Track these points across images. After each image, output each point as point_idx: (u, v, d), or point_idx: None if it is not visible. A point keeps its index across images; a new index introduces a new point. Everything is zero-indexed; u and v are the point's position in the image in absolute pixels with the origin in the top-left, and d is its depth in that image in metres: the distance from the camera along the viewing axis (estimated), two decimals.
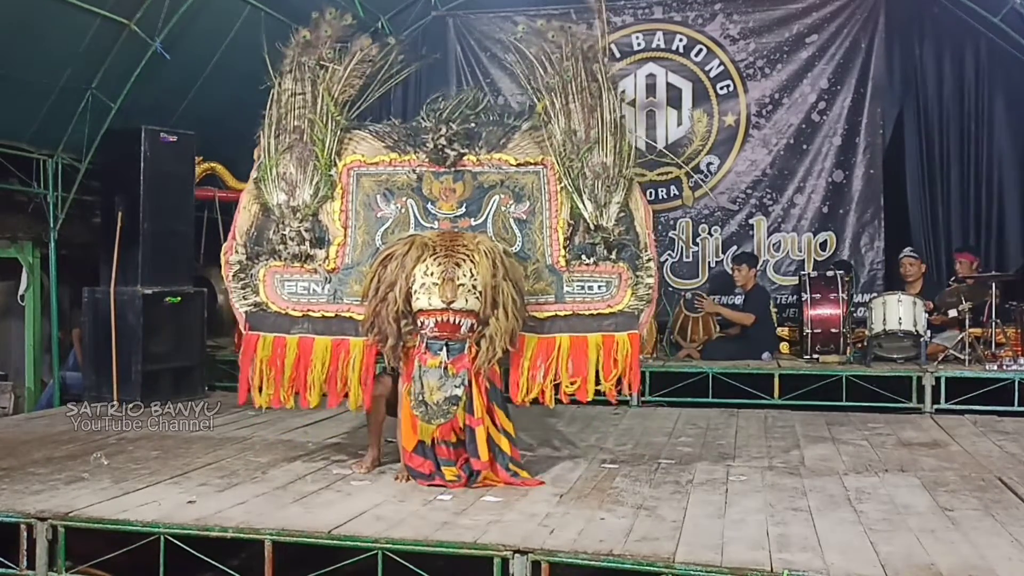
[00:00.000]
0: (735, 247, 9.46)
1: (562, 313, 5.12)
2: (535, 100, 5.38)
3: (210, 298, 8.55)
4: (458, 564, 3.89)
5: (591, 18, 10.25)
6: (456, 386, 4.70)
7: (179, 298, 7.58)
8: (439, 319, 4.69)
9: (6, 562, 4.18)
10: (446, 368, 4.70)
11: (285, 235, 5.12)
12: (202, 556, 4.05)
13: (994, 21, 8.63)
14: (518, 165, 5.26)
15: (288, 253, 5.11)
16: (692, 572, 3.51)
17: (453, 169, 5.24)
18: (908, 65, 9.28)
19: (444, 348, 4.73)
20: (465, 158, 5.25)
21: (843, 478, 4.96)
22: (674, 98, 9.65)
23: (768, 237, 9.45)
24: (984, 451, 5.71)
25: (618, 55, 9.73)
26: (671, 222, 9.64)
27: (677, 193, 9.64)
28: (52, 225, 7.86)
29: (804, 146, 9.40)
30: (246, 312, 5.12)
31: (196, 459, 5.39)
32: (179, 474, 5.01)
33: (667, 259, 9.63)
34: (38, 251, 8.10)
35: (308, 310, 5.08)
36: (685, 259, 9.64)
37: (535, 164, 5.27)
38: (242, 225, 5.22)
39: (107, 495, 4.51)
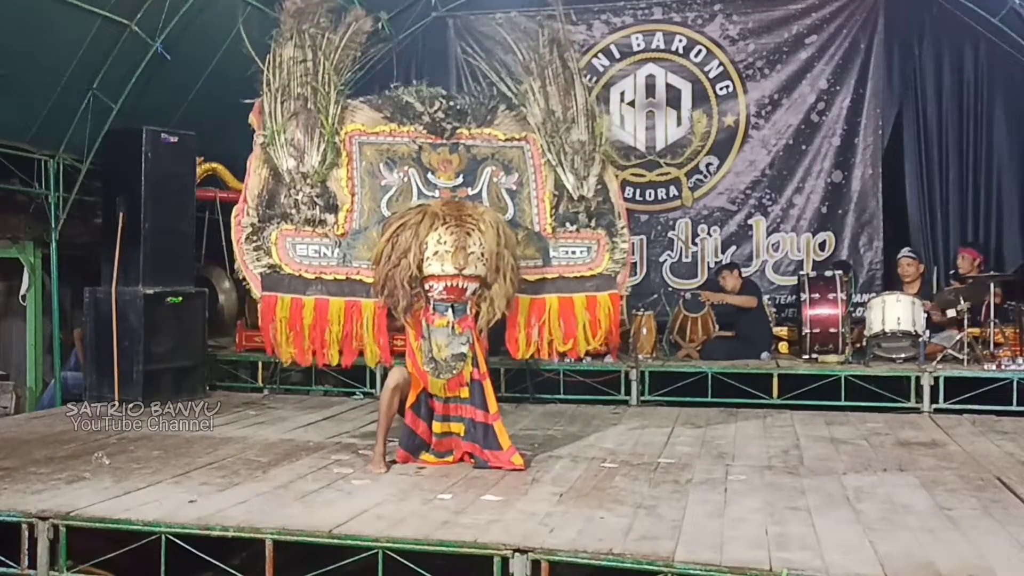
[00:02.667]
0: (734, 247, 9.49)
1: (550, 276, 5.63)
2: (516, 85, 5.84)
3: (211, 298, 8.57)
4: (458, 563, 3.90)
5: (591, 19, 10.31)
6: (462, 344, 5.11)
7: (180, 298, 7.59)
8: (449, 283, 5.05)
9: (7, 561, 4.19)
10: (453, 327, 5.10)
11: (298, 200, 5.29)
12: (203, 555, 4.06)
13: (993, 21, 8.63)
14: (505, 140, 5.73)
15: (300, 217, 5.30)
16: (692, 571, 3.52)
17: (450, 141, 5.59)
18: (907, 65, 9.29)
19: (450, 309, 5.09)
20: (458, 131, 5.66)
21: (842, 478, 4.98)
22: (673, 98, 9.66)
23: (767, 237, 9.47)
24: (982, 451, 5.72)
25: (618, 55, 9.77)
26: (670, 222, 9.66)
27: (676, 193, 9.66)
28: (53, 225, 7.87)
29: (803, 146, 9.41)
30: (260, 274, 5.25)
31: (197, 459, 5.40)
32: (180, 473, 5.03)
33: (666, 259, 9.66)
34: (39, 251, 8.11)
35: (321, 273, 5.28)
36: (684, 259, 9.66)
37: (519, 140, 5.75)
38: (253, 188, 5.34)
39: (108, 495, 4.53)
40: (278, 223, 5.31)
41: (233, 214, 5.36)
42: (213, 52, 8.27)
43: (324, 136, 5.35)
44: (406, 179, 5.49)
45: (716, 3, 9.57)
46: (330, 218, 5.33)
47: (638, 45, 9.74)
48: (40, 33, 6.89)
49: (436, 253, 5.00)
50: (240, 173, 9.11)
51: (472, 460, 5.16)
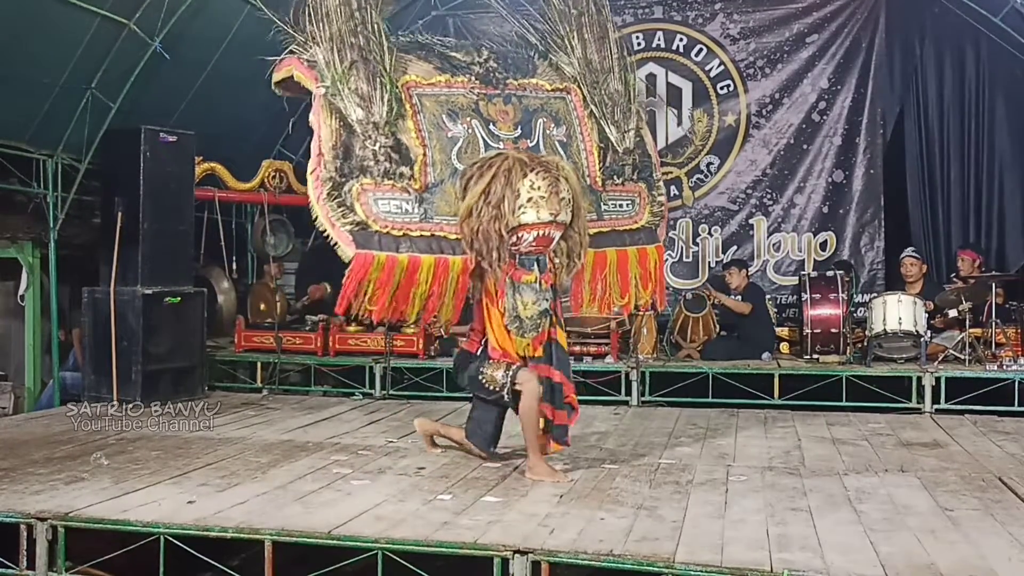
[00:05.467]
0: (735, 247, 9.48)
1: (604, 229, 5.43)
2: (550, 36, 5.64)
3: (210, 298, 8.56)
4: (458, 564, 3.89)
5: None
6: (545, 300, 4.92)
7: (179, 298, 7.58)
8: (540, 232, 4.80)
9: (6, 562, 4.18)
10: (540, 283, 4.89)
11: (375, 151, 4.88)
12: (202, 556, 4.05)
13: (994, 21, 8.62)
14: (551, 90, 5.51)
15: (379, 170, 4.88)
16: (692, 572, 3.51)
17: (503, 92, 5.33)
18: (908, 65, 9.28)
19: (535, 263, 4.89)
20: (508, 81, 5.40)
21: (843, 478, 4.96)
22: (674, 98, 9.66)
23: (768, 237, 9.46)
24: (984, 451, 5.71)
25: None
26: (671, 222, 9.62)
27: (677, 193, 9.64)
28: (52, 225, 7.85)
29: (804, 146, 9.41)
30: (349, 231, 4.80)
31: (196, 459, 5.39)
32: (179, 474, 5.01)
33: (667, 259, 9.63)
34: (38, 251, 8.09)
35: (406, 229, 4.88)
36: (685, 259, 9.65)
37: (562, 90, 5.54)
38: (326, 140, 4.87)
39: (107, 495, 4.51)
40: (357, 177, 4.85)
41: (309, 170, 4.86)
42: (212, 51, 8.26)
43: (386, 86, 4.96)
44: (470, 130, 5.14)
45: (717, 2, 9.57)
46: (406, 171, 4.92)
47: (638, 44, 9.73)
48: (39, 32, 6.88)
49: (531, 200, 4.73)
50: (239, 173, 9.21)
51: (544, 423, 4.99)
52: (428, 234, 4.90)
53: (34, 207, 7.90)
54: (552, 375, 5.02)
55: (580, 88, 5.54)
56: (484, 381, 5.01)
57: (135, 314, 7.24)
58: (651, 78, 9.69)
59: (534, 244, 4.83)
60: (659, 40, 9.69)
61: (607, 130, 5.52)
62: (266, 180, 9.25)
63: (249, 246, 10.29)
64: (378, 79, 4.93)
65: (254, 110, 8.89)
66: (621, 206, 5.55)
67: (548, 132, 5.36)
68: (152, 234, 7.39)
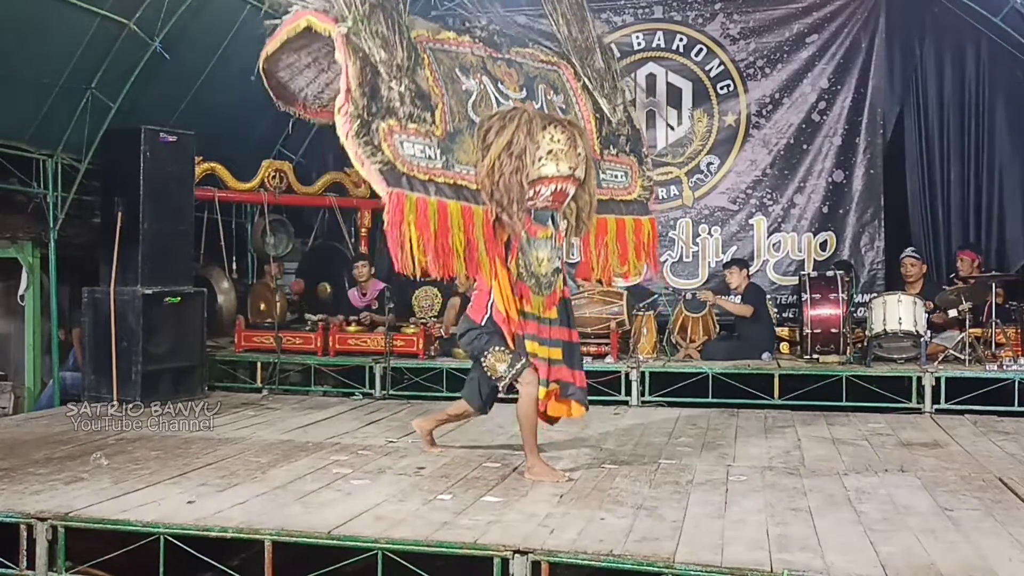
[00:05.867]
0: (735, 247, 9.48)
1: (604, 197, 5.37)
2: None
3: (210, 298, 8.56)
4: (458, 564, 3.89)
5: (594, 17, 10.25)
6: (558, 257, 4.96)
7: (179, 298, 7.58)
8: (558, 187, 4.75)
9: (6, 562, 4.18)
10: (554, 239, 4.91)
11: (401, 93, 4.73)
12: (202, 556, 4.05)
13: (994, 21, 8.62)
14: (544, 60, 5.53)
15: (404, 112, 4.73)
16: (692, 572, 3.51)
17: (505, 56, 5.32)
18: (908, 65, 9.29)
19: (550, 219, 4.90)
20: (508, 47, 5.40)
21: (843, 478, 4.96)
22: (674, 98, 9.66)
23: (768, 237, 9.46)
24: (984, 451, 5.71)
25: (618, 54, 9.73)
26: (671, 222, 9.65)
27: (677, 193, 9.64)
28: (52, 225, 7.86)
29: (804, 146, 9.41)
30: (379, 169, 4.62)
31: (196, 459, 5.39)
32: (179, 474, 5.01)
33: (667, 259, 9.64)
34: (38, 251, 8.10)
35: (431, 175, 4.73)
36: (685, 259, 9.65)
37: (554, 64, 5.57)
38: (353, 77, 4.67)
39: (107, 495, 4.51)
40: (384, 117, 4.68)
41: (337, 107, 4.67)
42: (212, 51, 8.26)
43: (404, 32, 4.82)
44: (482, 86, 5.07)
45: (717, 2, 9.57)
46: (428, 117, 4.80)
47: (638, 44, 9.73)
48: (39, 32, 6.88)
49: (551, 152, 4.69)
50: (239, 173, 9.21)
51: (557, 389, 4.97)
52: (452, 182, 4.75)
53: (34, 207, 7.90)
54: (572, 336, 5.04)
55: (571, 63, 5.58)
56: (485, 367, 4.99)
57: (135, 314, 7.24)
58: (651, 78, 9.71)
59: (551, 199, 4.78)
60: (659, 40, 9.69)
61: (600, 102, 5.57)
62: (266, 180, 9.26)
63: (249, 246, 10.30)
64: (396, 25, 4.78)
65: (254, 110, 8.88)
66: (617, 176, 5.58)
67: (549, 98, 5.36)
68: (152, 234, 7.39)
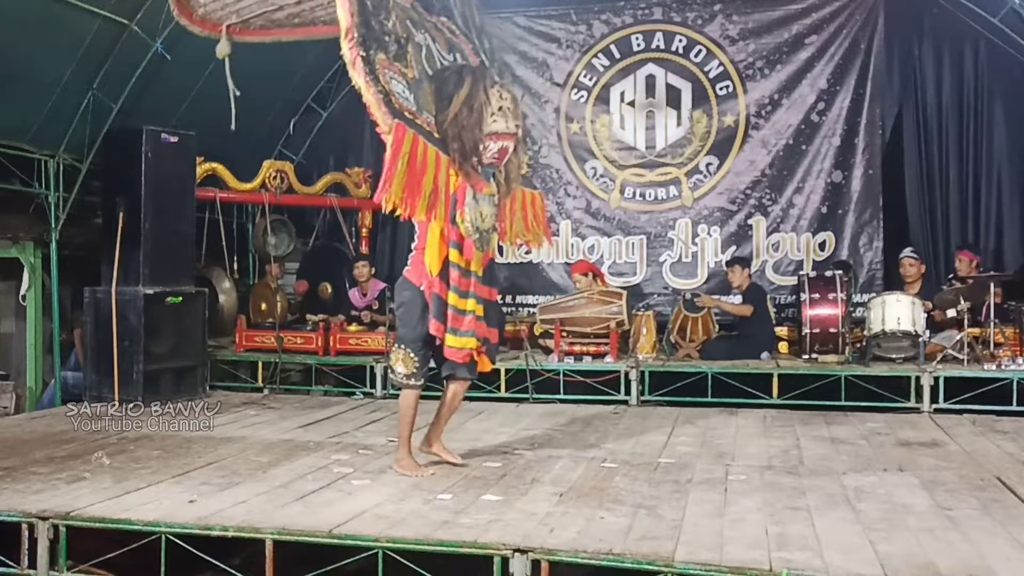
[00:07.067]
0: (734, 247, 9.49)
1: None
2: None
3: (211, 298, 8.58)
4: (458, 563, 3.89)
5: (591, 19, 10.31)
6: (494, 215, 4.99)
7: (180, 298, 7.60)
8: (503, 145, 4.87)
9: (7, 561, 4.19)
10: (496, 197, 4.98)
11: (388, 29, 4.81)
12: (203, 555, 4.06)
13: (993, 22, 8.63)
14: (455, 34, 5.60)
15: (391, 50, 4.80)
16: (692, 571, 3.52)
17: (434, 20, 5.41)
18: (907, 65, 9.30)
19: (492, 177, 4.96)
20: (436, 14, 5.50)
21: (842, 477, 4.98)
22: (674, 98, 9.67)
23: (767, 237, 9.47)
24: (983, 451, 5.72)
25: (618, 55, 9.78)
26: (671, 222, 9.67)
27: (677, 193, 9.66)
28: (54, 225, 7.88)
29: (803, 146, 9.41)
30: (383, 100, 4.59)
31: (197, 459, 5.40)
32: (180, 473, 5.03)
33: (667, 259, 9.66)
34: (40, 251, 8.12)
35: (413, 115, 4.71)
36: (684, 259, 9.66)
37: (459, 39, 5.64)
38: (352, 5, 4.62)
39: (108, 495, 4.53)
40: (377, 50, 4.69)
41: (343, 33, 4.62)
42: (213, 52, 8.25)
43: None
44: (427, 41, 5.18)
45: (716, 3, 9.58)
46: (405, 57, 4.86)
47: (638, 45, 9.75)
48: (40, 33, 6.90)
49: (500, 109, 4.82)
50: (240, 173, 9.22)
51: (482, 347, 5.02)
52: (424, 126, 4.78)
53: (36, 207, 7.92)
54: (492, 295, 5.12)
55: (470, 41, 5.69)
56: (391, 356, 5.10)
57: (136, 314, 7.26)
58: (651, 79, 9.72)
59: (496, 155, 4.89)
60: (659, 41, 9.70)
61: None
62: (267, 180, 9.28)
63: (250, 246, 10.32)
64: None
65: (255, 111, 8.89)
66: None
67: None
68: (153, 234, 7.41)
